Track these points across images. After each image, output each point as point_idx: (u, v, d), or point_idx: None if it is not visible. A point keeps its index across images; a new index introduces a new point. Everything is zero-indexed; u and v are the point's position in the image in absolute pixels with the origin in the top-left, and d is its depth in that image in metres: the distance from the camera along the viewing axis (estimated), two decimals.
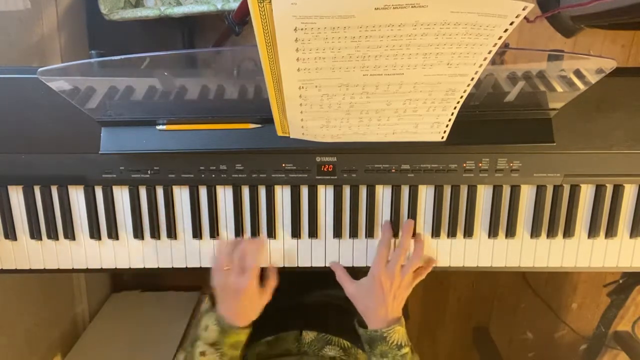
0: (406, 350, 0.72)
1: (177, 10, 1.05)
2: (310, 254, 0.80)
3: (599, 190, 0.76)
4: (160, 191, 0.77)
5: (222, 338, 0.72)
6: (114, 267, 0.80)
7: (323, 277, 0.81)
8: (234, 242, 0.76)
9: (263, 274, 0.76)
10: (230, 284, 0.72)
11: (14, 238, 0.78)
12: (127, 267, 0.80)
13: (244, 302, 0.72)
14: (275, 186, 0.77)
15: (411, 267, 0.74)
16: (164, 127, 0.71)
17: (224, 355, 0.72)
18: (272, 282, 0.76)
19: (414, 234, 0.78)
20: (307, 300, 0.94)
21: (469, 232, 0.78)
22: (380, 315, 0.72)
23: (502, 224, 0.78)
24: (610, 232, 0.78)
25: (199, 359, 0.71)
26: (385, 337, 0.71)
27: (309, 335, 0.84)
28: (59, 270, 0.80)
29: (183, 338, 1.41)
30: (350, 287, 0.76)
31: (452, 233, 0.78)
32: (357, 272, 0.78)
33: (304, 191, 0.77)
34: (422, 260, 0.77)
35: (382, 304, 0.72)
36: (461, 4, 0.44)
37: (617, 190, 0.76)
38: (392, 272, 0.72)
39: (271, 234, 0.78)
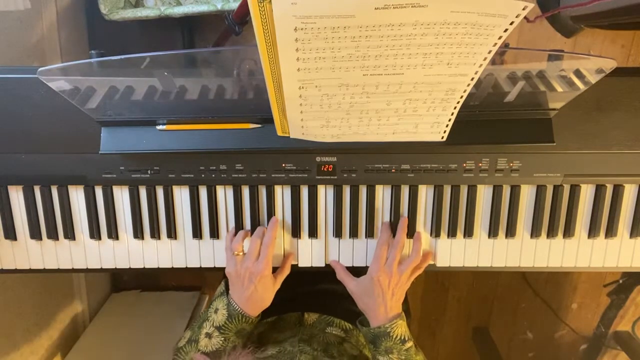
0: (410, 344, 0.72)
1: (177, 10, 1.05)
2: (311, 253, 0.80)
3: (599, 190, 0.76)
4: (160, 191, 0.77)
5: (229, 323, 0.73)
6: (114, 267, 0.80)
7: (324, 275, 0.82)
8: (245, 230, 0.77)
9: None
10: (245, 269, 0.73)
11: (14, 238, 0.78)
12: (127, 267, 0.80)
13: (258, 288, 0.73)
14: (275, 186, 0.77)
15: (410, 264, 0.74)
16: (164, 127, 0.71)
17: (227, 340, 0.73)
18: (285, 271, 0.77)
19: (413, 233, 0.78)
20: (309, 286, 0.94)
21: (469, 232, 0.78)
22: (381, 313, 0.73)
23: (502, 224, 0.78)
24: (610, 232, 0.78)
25: (204, 340, 0.72)
26: (389, 333, 0.71)
27: (310, 317, 0.85)
28: (59, 270, 0.80)
29: None
30: (350, 284, 0.76)
31: (452, 233, 0.78)
32: (359, 272, 0.78)
33: (304, 191, 0.77)
34: (420, 256, 0.77)
35: (381, 302, 0.72)
36: (461, 4, 0.44)
37: (617, 190, 0.76)
38: (390, 271, 0.73)
39: None
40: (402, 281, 0.74)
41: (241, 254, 0.75)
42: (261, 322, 0.84)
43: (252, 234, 0.77)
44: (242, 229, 0.78)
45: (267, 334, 0.82)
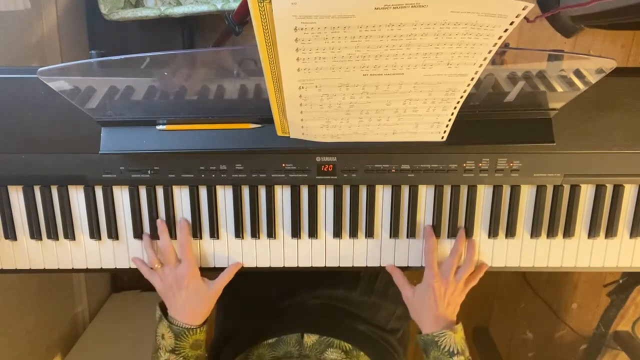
0: (460, 358, 0.71)
1: (177, 10, 1.05)
2: (310, 254, 0.79)
3: (599, 190, 0.76)
4: (160, 191, 0.77)
5: (179, 342, 0.73)
6: (114, 267, 0.80)
7: (324, 277, 0.81)
8: (151, 243, 0.77)
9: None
10: (171, 277, 0.73)
11: (14, 238, 0.78)
12: (127, 267, 0.80)
13: (190, 292, 0.73)
14: (275, 186, 0.76)
15: (465, 272, 0.75)
16: (164, 127, 0.71)
17: (187, 357, 0.73)
18: (227, 277, 0.76)
19: (414, 233, 0.78)
20: (309, 302, 0.93)
21: (469, 232, 0.78)
22: (431, 320, 0.73)
23: (502, 224, 0.78)
24: (610, 232, 0.78)
25: None
26: (437, 342, 0.71)
27: (310, 339, 0.84)
28: (59, 270, 0.80)
29: None
30: (408, 292, 0.76)
31: (452, 233, 0.78)
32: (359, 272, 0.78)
33: (304, 191, 0.77)
34: (474, 265, 0.77)
35: (433, 310, 0.73)
36: (461, 4, 0.44)
37: (617, 190, 0.76)
38: (447, 279, 0.73)
39: (271, 234, 0.78)
40: (458, 290, 0.74)
41: (160, 266, 0.75)
42: (261, 343, 0.83)
43: (248, 235, 0.77)
44: (242, 229, 0.78)
45: (267, 356, 0.82)
